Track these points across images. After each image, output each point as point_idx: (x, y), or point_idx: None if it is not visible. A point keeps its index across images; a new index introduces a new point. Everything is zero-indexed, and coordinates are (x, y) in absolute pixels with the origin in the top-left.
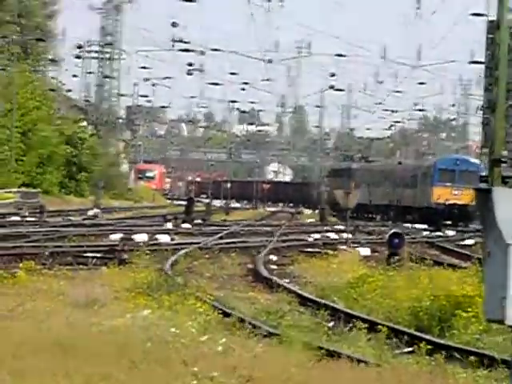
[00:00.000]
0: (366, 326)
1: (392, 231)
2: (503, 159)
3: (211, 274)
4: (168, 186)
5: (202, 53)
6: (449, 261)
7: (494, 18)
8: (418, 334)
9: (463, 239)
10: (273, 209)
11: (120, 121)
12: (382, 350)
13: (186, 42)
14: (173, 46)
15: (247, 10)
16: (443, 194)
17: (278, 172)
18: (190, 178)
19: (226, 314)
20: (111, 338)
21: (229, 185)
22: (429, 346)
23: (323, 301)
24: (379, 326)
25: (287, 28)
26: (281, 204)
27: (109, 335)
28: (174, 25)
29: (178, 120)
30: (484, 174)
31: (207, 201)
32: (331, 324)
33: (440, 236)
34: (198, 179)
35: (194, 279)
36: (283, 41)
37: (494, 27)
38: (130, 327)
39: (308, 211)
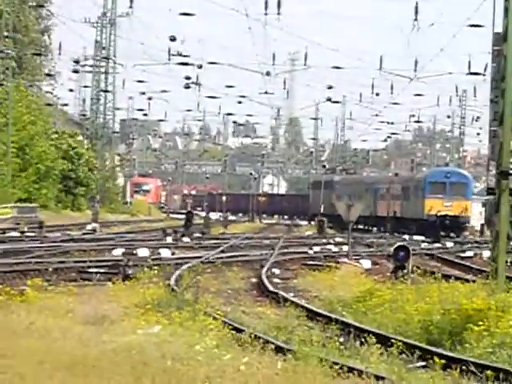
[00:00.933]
0: (377, 340)
1: (397, 244)
2: (511, 171)
3: (216, 289)
4: (164, 200)
5: (200, 66)
6: (450, 273)
7: (499, 29)
8: (433, 348)
9: (463, 251)
10: (269, 221)
11: (115, 134)
12: (396, 365)
13: (184, 56)
14: (169, 59)
15: (245, 23)
16: (435, 206)
17: (273, 184)
18: (185, 192)
19: (238, 330)
20: (127, 355)
21: (224, 198)
22: (442, 361)
23: (333, 315)
24: (392, 341)
25: (284, 40)
26: (276, 216)
27: (124, 353)
28: (172, 39)
29: (172, 133)
30: (491, 186)
31: (204, 214)
32: (342, 339)
33: (440, 248)
34: (194, 192)
35: (200, 295)
36: (280, 53)
37: (500, 39)
38: (143, 344)
39: (304, 223)
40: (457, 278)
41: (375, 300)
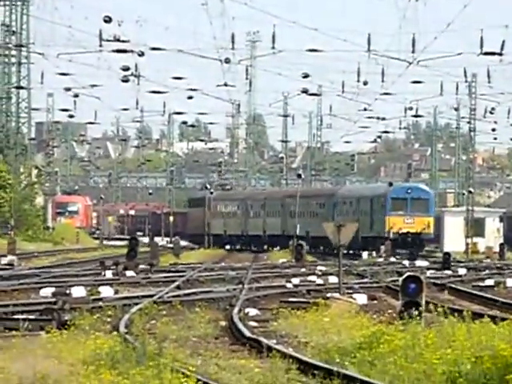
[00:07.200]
0: None
1: (407, 274)
2: None
3: (177, 336)
4: (95, 223)
5: (141, 54)
6: (469, 308)
7: None
8: None
9: (481, 279)
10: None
11: (31, 142)
12: None
13: (122, 41)
14: (101, 45)
15: None
16: (397, 223)
17: None
18: (122, 212)
19: None
20: None
21: (172, 218)
22: None
23: (332, 367)
24: None
25: (245, 19)
26: None
27: None
28: (106, 20)
29: (103, 138)
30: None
31: (147, 240)
32: None
33: (450, 276)
34: (132, 212)
35: (157, 343)
36: (242, 35)
37: None
38: None
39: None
40: (479, 315)
41: (384, 346)
